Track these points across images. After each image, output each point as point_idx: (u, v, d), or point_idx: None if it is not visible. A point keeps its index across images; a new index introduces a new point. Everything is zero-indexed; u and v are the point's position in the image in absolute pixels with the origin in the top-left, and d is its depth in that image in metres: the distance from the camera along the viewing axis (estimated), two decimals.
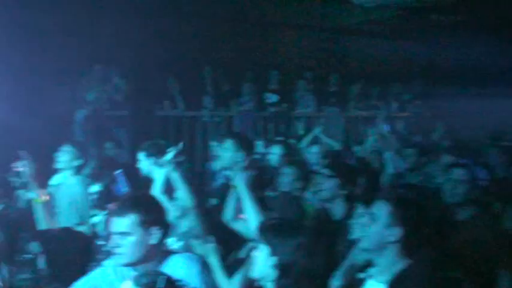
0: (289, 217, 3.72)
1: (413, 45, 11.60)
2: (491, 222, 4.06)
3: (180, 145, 4.09)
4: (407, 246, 2.62)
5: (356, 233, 2.99)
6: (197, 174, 6.85)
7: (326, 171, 3.94)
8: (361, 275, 2.76)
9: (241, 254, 3.67)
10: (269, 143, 5.77)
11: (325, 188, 3.88)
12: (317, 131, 7.79)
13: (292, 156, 5.25)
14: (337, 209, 3.84)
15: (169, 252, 2.88)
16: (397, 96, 11.08)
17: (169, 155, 3.96)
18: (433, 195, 4.44)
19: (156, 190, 3.95)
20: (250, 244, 3.36)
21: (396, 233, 2.60)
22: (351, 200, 3.73)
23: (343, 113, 10.15)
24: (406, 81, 11.54)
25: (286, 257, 2.58)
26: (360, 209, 3.14)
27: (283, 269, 2.58)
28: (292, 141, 7.55)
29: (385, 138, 6.52)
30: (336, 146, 7.35)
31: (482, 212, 4.06)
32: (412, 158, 5.55)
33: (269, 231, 2.68)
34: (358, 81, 10.69)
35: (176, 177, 3.87)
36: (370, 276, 2.71)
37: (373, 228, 2.65)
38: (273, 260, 2.60)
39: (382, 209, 2.66)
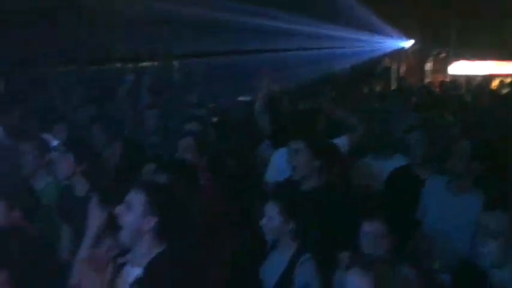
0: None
1: None
2: None
3: None
4: (162, 233, 2.79)
5: None
6: None
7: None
8: (120, 260, 2.90)
9: None
10: None
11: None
12: None
13: None
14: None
15: None
16: None
17: None
18: None
19: None
20: None
21: (151, 221, 2.75)
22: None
23: None
24: None
25: None
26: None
27: None
28: None
29: None
30: None
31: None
32: None
33: None
34: None
35: None
36: (128, 262, 2.85)
37: (130, 217, 2.76)
38: None
39: (137, 198, 2.77)
